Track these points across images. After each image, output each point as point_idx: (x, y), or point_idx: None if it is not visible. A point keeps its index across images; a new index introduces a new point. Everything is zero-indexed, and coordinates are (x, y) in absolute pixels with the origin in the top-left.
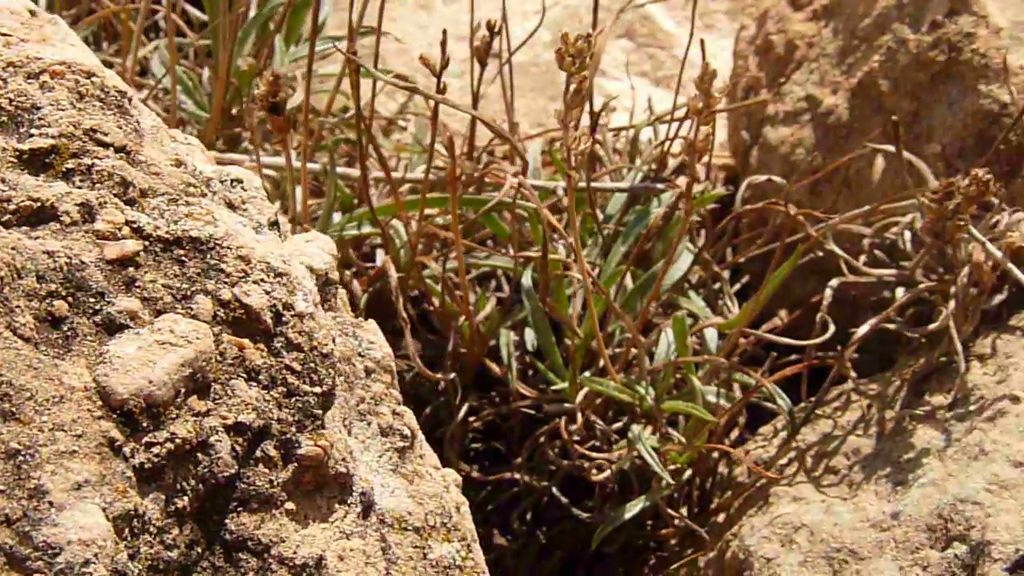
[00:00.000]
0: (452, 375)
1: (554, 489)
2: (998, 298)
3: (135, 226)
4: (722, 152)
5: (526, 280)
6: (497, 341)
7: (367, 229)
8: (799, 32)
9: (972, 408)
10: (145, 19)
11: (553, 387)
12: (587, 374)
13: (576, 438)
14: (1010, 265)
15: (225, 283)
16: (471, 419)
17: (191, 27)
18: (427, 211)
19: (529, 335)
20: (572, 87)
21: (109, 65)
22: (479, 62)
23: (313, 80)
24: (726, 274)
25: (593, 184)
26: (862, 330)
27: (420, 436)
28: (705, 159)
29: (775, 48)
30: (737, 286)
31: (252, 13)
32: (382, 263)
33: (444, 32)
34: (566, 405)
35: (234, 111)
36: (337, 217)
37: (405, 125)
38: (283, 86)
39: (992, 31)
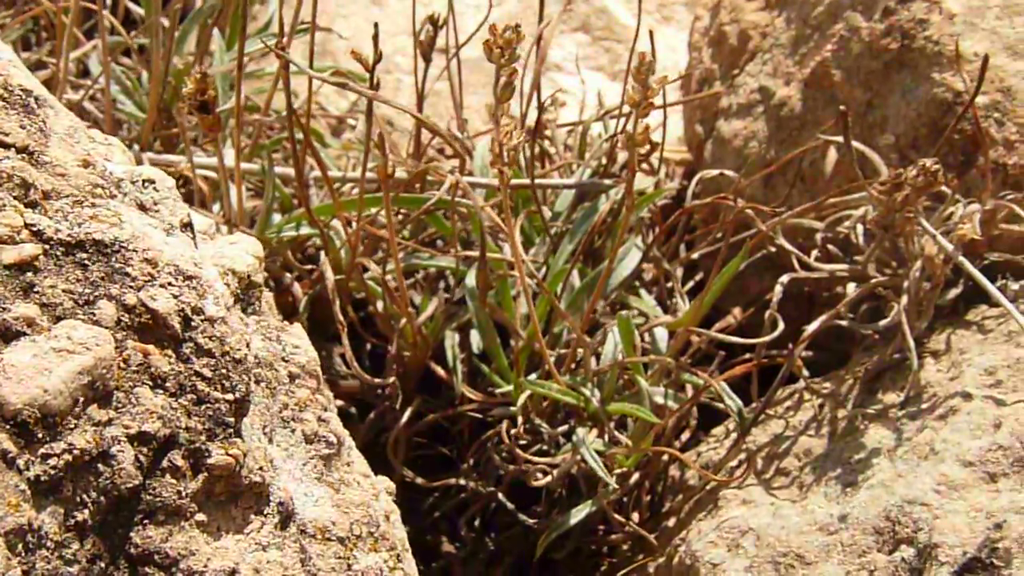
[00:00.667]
0: (392, 379)
1: (500, 495)
2: (953, 292)
3: (35, 229)
4: (680, 147)
5: (469, 280)
6: (443, 343)
7: (306, 231)
8: (752, 22)
9: (924, 406)
10: (79, 16)
11: (499, 390)
12: (533, 376)
13: (522, 441)
14: (962, 258)
15: (130, 287)
16: (417, 423)
17: (136, 24)
18: (369, 211)
19: (475, 337)
20: (502, 80)
21: (44, 65)
22: (423, 58)
23: (258, 78)
24: (679, 271)
25: (538, 181)
26: (812, 327)
27: (348, 443)
28: (658, 154)
29: (728, 39)
30: (691, 283)
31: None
32: (319, 265)
33: (376, 26)
34: (512, 408)
35: (173, 111)
36: (277, 218)
37: (355, 123)
38: (211, 84)
39: (946, 17)
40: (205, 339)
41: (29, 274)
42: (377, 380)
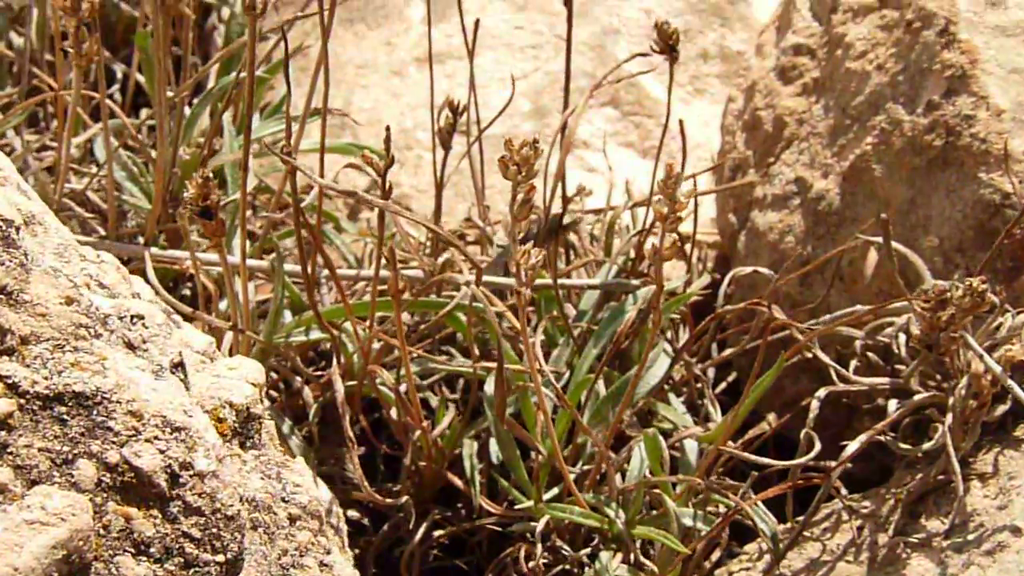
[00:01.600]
0: (404, 498)
1: None
2: (1001, 408)
3: (10, 382)
4: (712, 229)
5: (488, 388)
6: (461, 451)
7: (316, 335)
8: (788, 108)
9: (971, 537)
10: (85, 98)
11: (517, 506)
12: (555, 491)
13: (544, 561)
14: (1010, 382)
15: (113, 443)
16: (435, 533)
17: (148, 100)
18: (383, 314)
19: (494, 446)
20: (519, 197)
21: (48, 148)
22: (442, 146)
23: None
24: (711, 373)
25: (561, 281)
26: (851, 448)
27: None
28: (690, 243)
29: (763, 124)
30: (724, 384)
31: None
32: (328, 374)
33: (387, 129)
34: (533, 524)
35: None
36: (289, 316)
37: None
38: (213, 188)
39: (993, 113)
40: (194, 496)
41: (3, 433)
42: (388, 500)
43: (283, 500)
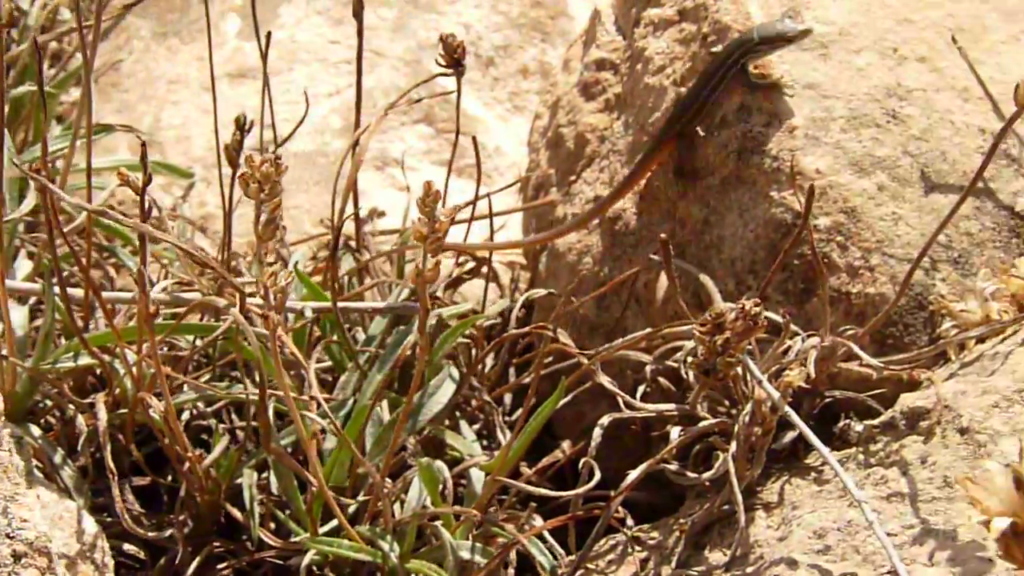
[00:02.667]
0: (168, 532)
1: None
2: (790, 435)
3: None
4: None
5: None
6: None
7: (85, 360)
8: (590, 124)
9: (749, 570)
10: None
11: (293, 539)
12: (334, 523)
13: None
14: (788, 408)
15: None
16: (219, 566)
17: None
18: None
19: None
20: (263, 217)
21: None
22: (230, 164)
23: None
24: (507, 398)
25: (343, 304)
26: (632, 476)
27: None
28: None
29: (565, 142)
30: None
31: None
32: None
33: (143, 146)
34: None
35: None
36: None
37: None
38: None
39: (786, 130)
40: None
41: None
42: (152, 534)
43: (7, 536)
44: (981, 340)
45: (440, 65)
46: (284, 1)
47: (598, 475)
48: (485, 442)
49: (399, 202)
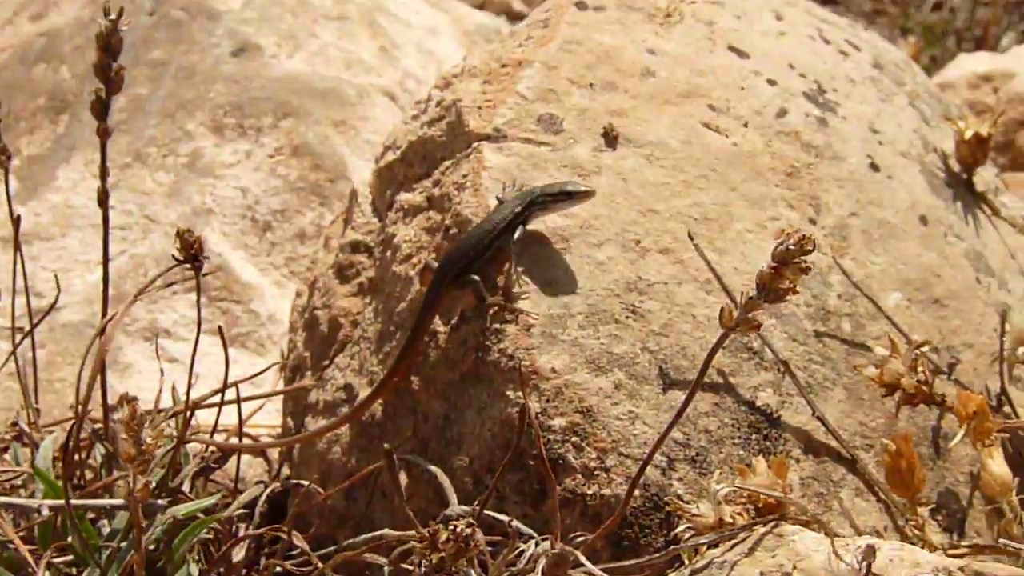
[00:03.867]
0: None
1: None
2: None
3: None
4: None
5: None
6: None
7: None
8: (344, 308)
9: None
10: None
11: None
12: None
13: None
14: None
15: None
16: None
17: None
18: None
19: None
20: None
21: None
22: None
23: None
24: None
25: (77, 502)
26: None
27: None
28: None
29: (320, 325)
30: None
31: None
32: None
33: None
34: None
35: None
36: None
37: None
38: None
39: (523, 328)
40: None
41: None
42: None
43: None
44: (714, 544)
45: (177, 260)
46: (63, 162)
47: None
48: None
49: (168, 375)
